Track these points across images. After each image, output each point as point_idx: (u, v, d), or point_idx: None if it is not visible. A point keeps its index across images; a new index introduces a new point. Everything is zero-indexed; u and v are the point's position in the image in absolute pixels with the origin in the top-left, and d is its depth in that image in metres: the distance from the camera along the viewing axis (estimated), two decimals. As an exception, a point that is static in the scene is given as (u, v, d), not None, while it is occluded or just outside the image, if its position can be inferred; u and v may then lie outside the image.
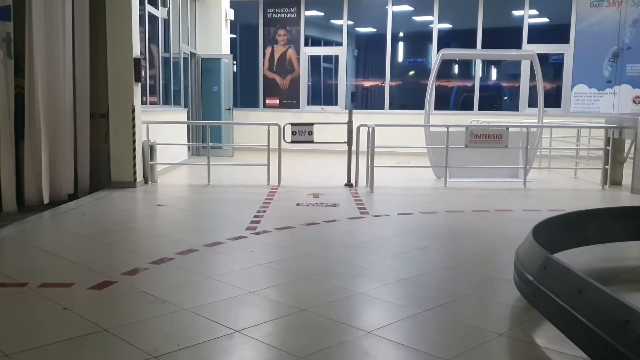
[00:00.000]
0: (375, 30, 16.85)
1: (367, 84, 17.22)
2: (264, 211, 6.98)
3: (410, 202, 8.08)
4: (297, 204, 7.52)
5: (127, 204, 7.47)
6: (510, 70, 17.12)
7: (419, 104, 15.54)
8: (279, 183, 9.20)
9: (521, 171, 10.07)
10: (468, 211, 7.21)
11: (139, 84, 8.92)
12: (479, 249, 5.34)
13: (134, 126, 8.77)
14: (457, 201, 8.01)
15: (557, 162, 11.92)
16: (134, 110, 8.73)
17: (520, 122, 12.28)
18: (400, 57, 16.47)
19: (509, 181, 9.86)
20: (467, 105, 15.70)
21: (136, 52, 8.79)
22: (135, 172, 8.83)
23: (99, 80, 8.67)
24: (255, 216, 6.64)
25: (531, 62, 11.72)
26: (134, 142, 8.79)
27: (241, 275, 4.36)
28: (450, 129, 9.36)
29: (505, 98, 16.44)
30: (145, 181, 9.19)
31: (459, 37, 16.25)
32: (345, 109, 15.35)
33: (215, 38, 14.36)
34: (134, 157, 8.80)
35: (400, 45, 16.48)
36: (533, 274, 3.32)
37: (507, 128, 9.43)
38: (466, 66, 17.05)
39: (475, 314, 3.69)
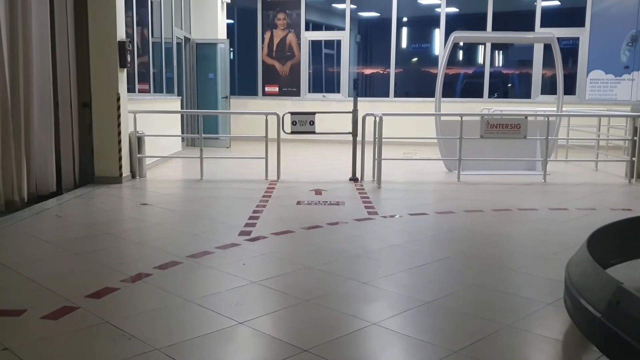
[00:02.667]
0: (378, 14, 16.08)
1: (370, 70, 16.45)
2: (261, 211, 6.24)
3: (422, 200, 7.34)
4: (298, 202, 6.78)
5: (108, 203, 6.72)
6: (518, 56, 16.36)
7: (423, 92, 14.89)
8: (278, 177, 8.47)
9: (538, 164, 9.34)
10: (488, 210, 6.46)
11: (125, 70, 8.15)
12: (509, 260, 4.60)
13: (119, 116, 8.02)
14: (474, 198, 7.27)
15: (575, 153, 11.17)
16: (119, 99, 7.98)
17: (534, 110, 11.52)
18: (404, 43, 15.69)
19: (527, 174, 9.11)
20: (468, 93, 14.98)
21: (121, 35, 8.02)
22: (120, 167, 8.09)
23: (81, 66, 7.92)
24: (251, 217, 5.90)
25: (545, 45, 11.01)
26: (119, 133, 8.04)
27: (230, 297, 3.62)
28: (460, 118, 8.59)
29: (510, 85, 15.71)
30: (133, 176, 8.45)
31: (467, 21, 15.45)
32: (348, 96, 14.64)
33: (211, 22, 13.58)
34: (120, 150, 8.06)
35: (404, 30, 15.68)
36: (600, 308, 2.58)
37: (526, 117, 8.67)
38: (468, 52, 16.30)
39: (523, 354, 2.95)
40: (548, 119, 8.72)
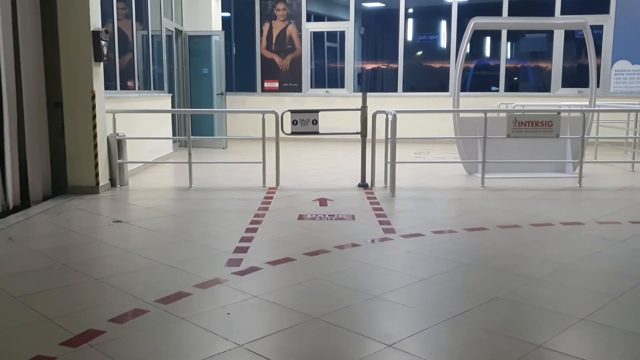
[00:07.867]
0: (383, 5, 15.05)
1: (376, 64, 15.40)
2: (255, 229, 5.22)
3: (445, 211, 6.31)
4: (299, 217, 5.76)
5: (76, 220, 5.69)
6: (529, 48, 15.30)
7: (431, 86, 13.88)
8: (277, 184, 7.46)
9: (569, 165, 8.33)
10: (526, 225, 5.42)
11: (101, 64, 7.14)
12: (573, 302, 3.53)
13: (94, 117, 7.01)
14: (505, 208, 6.23)
15: (603, 151, 10.14)
16: (94, 97, 6.96)
17: (558, 105, 10.51)
18: (410, 35, 14.64)
19: (557, 177, 8.09)
20: (475, 87, 13.96)
21: (96, 23, 7.00)
22: (97, 175, 7.08)
23: (50, 60, 6.92)
24: (243, 239, 4.88)
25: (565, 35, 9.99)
26: (94, 136, 7.03)
27: (205, 374, 2.60)
28: (478, 115, 7.57)
29: (516, 78, 14.67)
30: (113, 184, 7.45)
31: (478, 11, 14.35)
32: (353, 92, 13.63)
33: (205, 12, 12.55)
34: (96, 156, 7.05)
35: (410, 21, 14.63)
36: None
37: (559, 113, 7.63)
38: (472, 43, 15.28)
39: None
40: (584, 115, 7.68)
